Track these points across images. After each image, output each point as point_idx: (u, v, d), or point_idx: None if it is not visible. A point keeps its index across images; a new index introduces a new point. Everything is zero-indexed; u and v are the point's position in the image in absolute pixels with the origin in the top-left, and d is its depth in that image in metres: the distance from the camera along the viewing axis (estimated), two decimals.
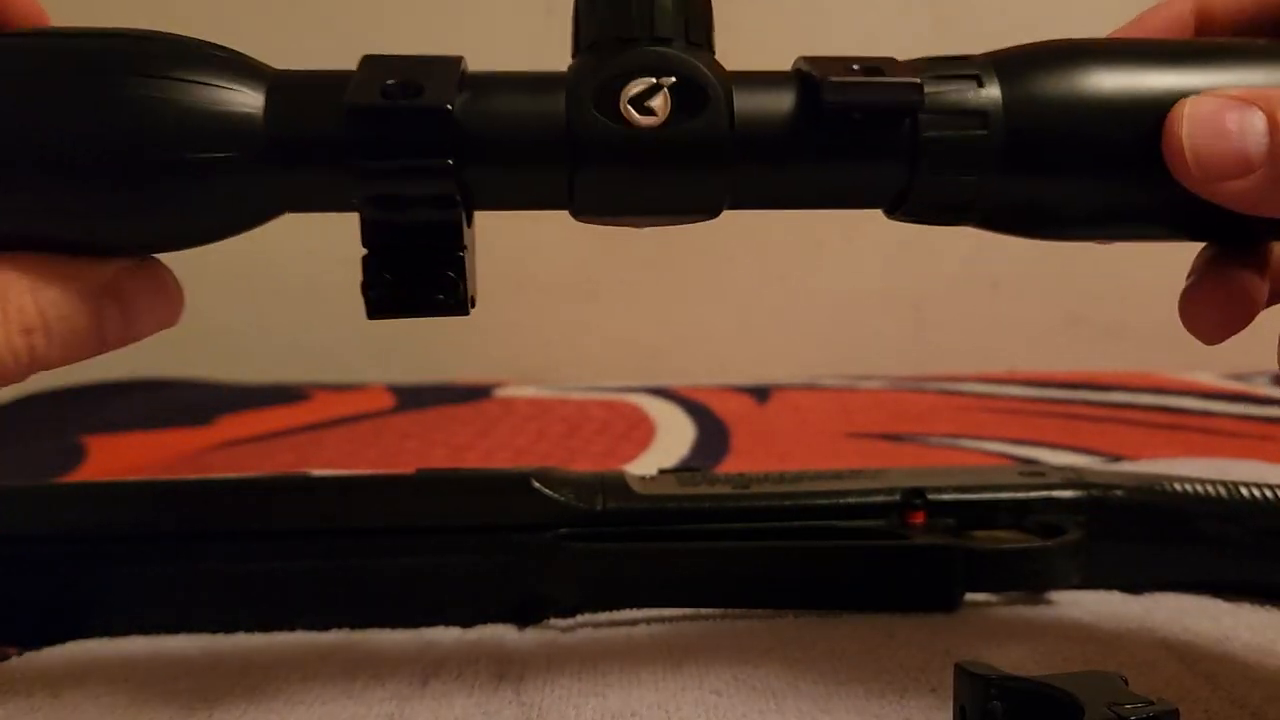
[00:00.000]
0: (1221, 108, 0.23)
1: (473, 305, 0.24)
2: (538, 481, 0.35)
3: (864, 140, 0.24)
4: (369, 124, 0.22)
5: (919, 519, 0.36)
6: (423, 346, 1.01)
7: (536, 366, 0.97)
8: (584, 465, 0.39)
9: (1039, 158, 0.24)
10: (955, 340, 1.04)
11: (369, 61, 0.23)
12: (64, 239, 0.23)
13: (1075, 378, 0.84)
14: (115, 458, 0.65)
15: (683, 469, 0.39)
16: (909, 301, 1.04)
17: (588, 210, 0.24)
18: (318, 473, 0.41)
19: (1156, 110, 0.24)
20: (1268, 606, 0.36)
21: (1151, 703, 0.23)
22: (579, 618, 0.36)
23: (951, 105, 0.23)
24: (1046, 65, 0.24)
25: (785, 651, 0.32)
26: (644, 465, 0.59)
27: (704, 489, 0.36)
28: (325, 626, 0.35)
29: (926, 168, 0.24)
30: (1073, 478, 0.37)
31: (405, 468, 0.38)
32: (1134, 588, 0.37)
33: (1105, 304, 1.01)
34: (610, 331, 1.00)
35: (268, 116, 0.23)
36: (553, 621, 0.36)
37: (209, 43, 0.23)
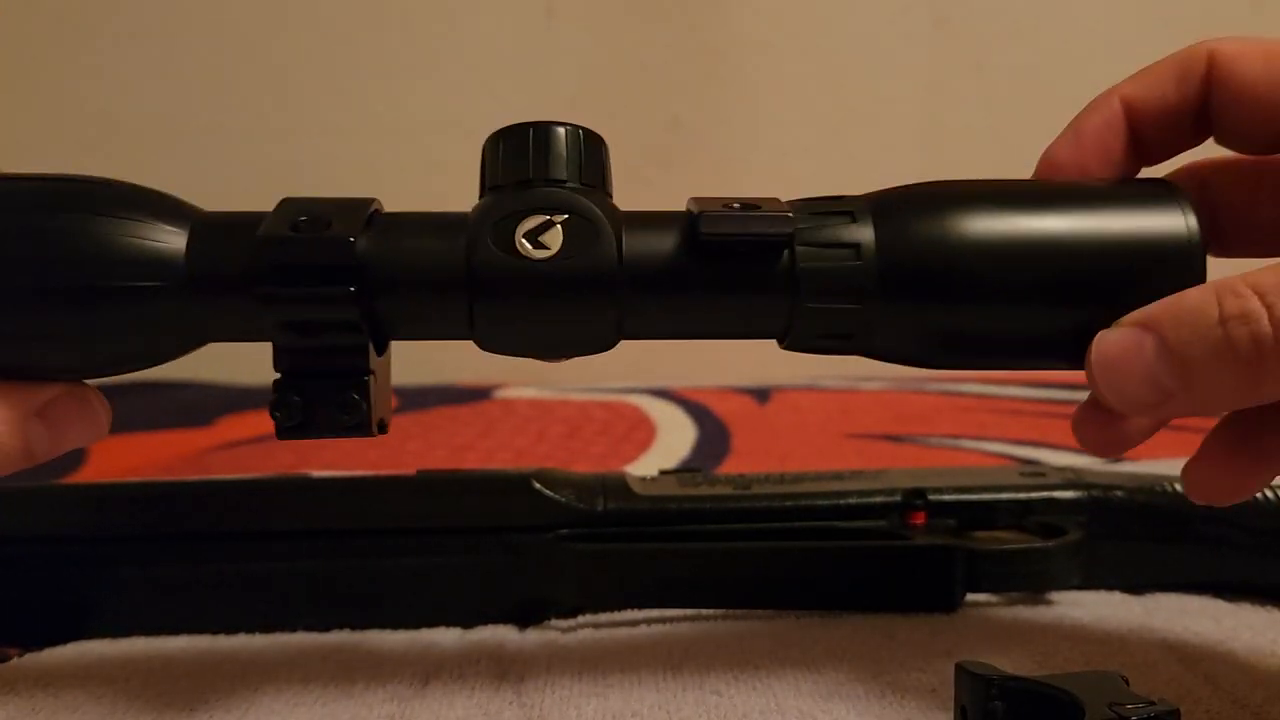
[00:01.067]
0: (1120, 347, 0.24)
1: (381, 430, 0.26)
2: (538, 482, 0.35)
3: (744, 272, 0.25)
4: (277, 253, 0.23)
5: (920, 520, 0.36)
6: (423, 348, 1.01)
7: (537, 368, 0.97)
8: (585, 466, 0.39)
9: (913, 289, 0.25)
10: None
11: (285, 203, 0.25)
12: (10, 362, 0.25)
13: (1076, 378, 0.84)
14: (116, 459, 0.65)
15: (683, 470, 0.39)
16: None
17: (488, 341, 0.25)
18: (318, 474, 0.40)
19: (1016, 248, 0.25)
20: (1268, 606, 0.36)
21: (1152, 703, 0.23)
22: (580, 618, 0.36)
23: (826, 239, 0.25)
24: (916, 205, 0.25)
25: (786, 652, 0.32)
26: (645, 466, 0.59)
27: (705, 490, 0.36)
28: (326, 627, 0.35)
29: (805, 298, 0.25)
30: (1073, 478, 0.37)
31: (406, 469, 0.38)
32: (1135, 588, 0.37)
33: None
34: None
35: (189, 253, 0.24)
36: (553, 622, 0.36)
37: (142, 187, 0.25)
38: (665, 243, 0.25)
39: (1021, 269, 0.25)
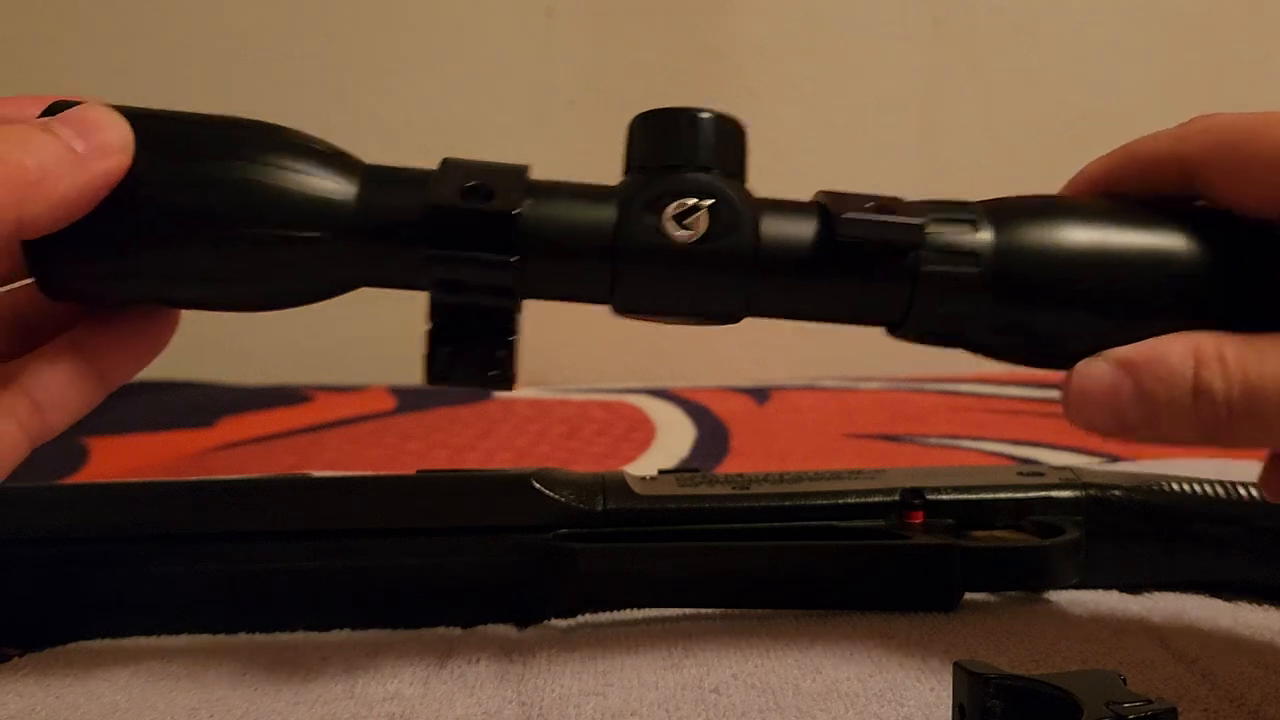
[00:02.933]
0: (1090, 386, 0.26)
1: (513, 386, 0.28)
2: (538, 482, 0.35)
3: (870, 269, 0.27)
4: (447, 221, 0.25)
5: (918, 519, 0.36)
6: (423, 348, 1.01)
7: (536, 368, 0.97)
8: (584, 466, 0.39)
9: (1024, 295, 0.27)
10: None
11: (448, 165, 0.26)
12: (174, 295, 0.27)
13: None
14: (117, 459, 0.65)
15: (682, 470, 0.39)
16: None
17: (626, 308, 0.27)
18: (319, 474, 0.41)
19: (1116, 261, 0.27)
20: (1266, 606, 0.36)
21: (1150, 701, 0.23)
22: (579, 618, 0.36)
23: (949, 245, 0.27)
24: (1032, 215, 0.27)
25: (784, 651, 0.33)
26: (644, 466, 0.59)
27: (704, 490, 0.36)
28: (326, 627, 0.35)
29: (923, 297, 0.27)
30: (1071, 478, 0.37)
31: (406, 469, 0.38)
32: (1132, 587, 0.37)
33: None
34: (610, 333, 1.00)
35: (359, 203, 0.26)
36: (553, 621, 0.36)
37: (313, 136, 0.27)
38: (800, 232, 0.27)
39: (1121, 281, 0.26)
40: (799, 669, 0.31)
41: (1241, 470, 0.42)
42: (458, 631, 0.35)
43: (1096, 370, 0.26)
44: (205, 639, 0.35)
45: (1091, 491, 0.37)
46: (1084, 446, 0.62)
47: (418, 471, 0.37)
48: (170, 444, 0.70)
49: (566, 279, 0.27)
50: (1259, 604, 0.36)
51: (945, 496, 0.36)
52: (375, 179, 0.26)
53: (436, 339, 0.26)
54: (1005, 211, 0.27)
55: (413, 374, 0.92)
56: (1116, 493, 0.37)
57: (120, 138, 0.25)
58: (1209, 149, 0.27)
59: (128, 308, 0.28)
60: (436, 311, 0.26)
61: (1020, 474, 0.38)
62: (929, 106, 1.04)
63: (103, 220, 0.25)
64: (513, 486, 0.35)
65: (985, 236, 0.27)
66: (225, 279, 0.26)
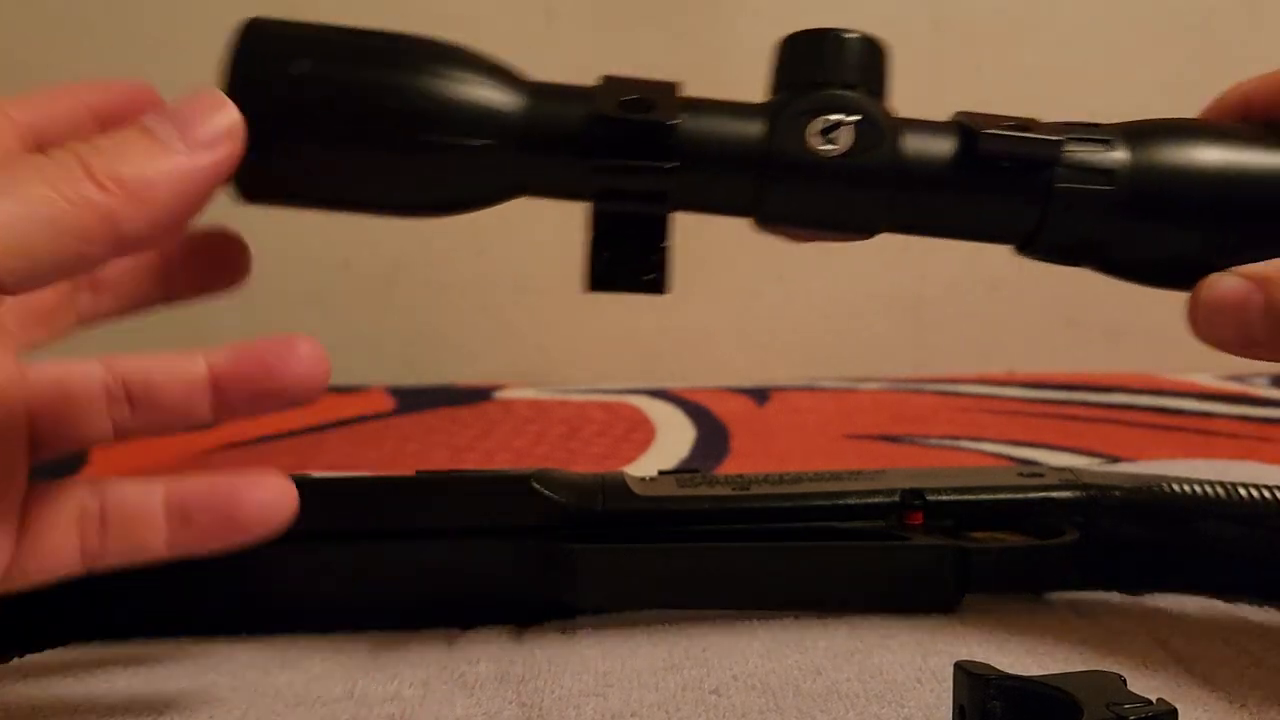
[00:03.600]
0: (1224, 298, 0.27)
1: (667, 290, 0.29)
2: (537, 483, 0.35)
3: (1007, 185, 0.28)
4: (610, 130, 0.27)
5: (918, 520, 0.36)
6: (423, 349, 1.01)
7: (536, 368, 0.97)
8: (584, 467, 0.39)
9: (1157, 213, 0.28)
10: (954, 342, 1.04)
11: (609, 81, 0.28)
12: (353, 197, 0.28)
13: (1074, 379, 0.84)
14: (116, 460, 0.64)
15: (682, 470, 0.39)
16: (908, 303, 1.04)
17: (769, 218, 0.28)
18: (318, 474, 0.41)
19: (1249, 181, 0.28)
20: (1267, 607, 0.36)
21: (1150, 703, 0.23)
22: (579, 619, 0.36)
23: (1084, 163, 0.28)
24: (1167, 135, 0.28)
25: (784, 652, 0.32)
26: (644, 467, 0.59)
27: (703, 490, 0.36)
28: (326, 628, 0.35)
29: (1056, 213, 0.28)
30: (1071, 479, 0.37)
31: (405, 470, 0.38)
32: (1132, 588, 0.37)
33: (1104, 305, 1.01)
34: (610, 333, 1.00)
35: (527, 114, 0.27)
36: (553, 622, 0.36)
37: (482, 52, 0.28)
38: (940, 149, 0.28)
39: (1253, 200, 0.28)
40: (799, 670, 0.31)
41: (1242, 471, 0.42)
42: (457, 632, 0.35)
43: (1226, 284, 0.27)
44: (204, 640, 0.35)
45: (1091, 492, 0.37)
46: (1084, 447, 0.62)
47: (417, 472, 0.37)
48: (169, 444, 0.70)
49: (717, 189, 0.28)
50: (1259, 605, 0.36)
51: (945, 497, 0.36)
52: (541, 93, 0.27)
53: (597, 246, 0.28)
54: (1140, 131, 0.28)
55: (412, 374, 0.92)
56: (1116, 494, 0.37)
57: (226, 125, 0.24)
58: None
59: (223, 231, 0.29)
60: (598, 220, 0.28)
61: (1020, 475, 0.38)
62: (929, 107, 1.03)
63: (288, 127, 0.26)
64: (512, 487, 0.35)
65: (1120, 155, 0.28)
66: (401, 184, 0.27)
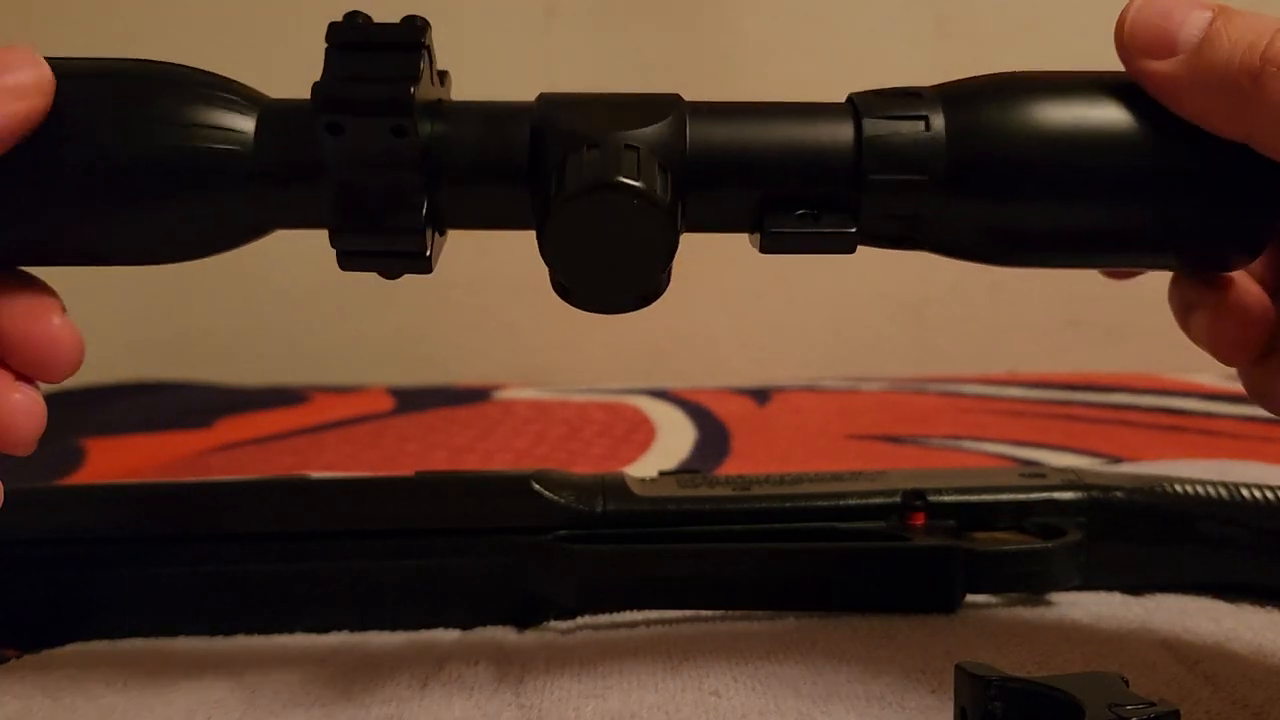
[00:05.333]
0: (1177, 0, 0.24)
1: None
2: (537, 483, 0.35)
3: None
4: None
5: (919, 520, 0.36)
6: (422, 349, 1.01)
7: (536, 369, 0.97)
8: (584, 467, 0.39)
9: (977, 188, 0.25)
10: (956, 342, 1.04)
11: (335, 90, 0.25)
12: (73, 247, 0.26)
13: (1076, 379, 0.84)
14: (115, 460, 0.65)
15: (683, 471, 0.39)
16: (909, 303, 1.04)
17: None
18: (317, 475, 0.40)
19: (1089, 140, 0.25)
20: (1269, 607, 0.36)
21: (1153, 704, 0.23)
22: (579, 619, 0.36)
23: (894, 139, 0.25)
24: (988, 95, 0.25)
25: (785, 653, 0.32)
26: (644, 467, 0.59)
27: (704, 491, 0.36)
28: (325, 629, 0.35)
29: (870, 198, 0.25)
30: (1073, 479, 0.37)
31: (405, 470, 0.38)
32: (1135, 589, 0.37)
33: (1106, 305, 1.01)
34: (610, 333, 1.00)
35: (256, 142, 0.25)
36: (552, 623, 0.36)
37: (208, 72, 0.26)
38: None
39: (1092, 164, 0.25)
40: (800, 671, 0.31)
41: (1243, 471, 0.42)
42: (456, 633, 0.35)
43: None
44: (202, 641, 0.35)
45: (1094, 493, 0.37)
46: (1086, 448, 0.62)
47: (416, 472, 0.37)
48: (168, 445, 0.70)
49: (486, 204, 0.26)
50: (1262, 605, 0.36)
51: (947, 498, 0.36)
52: (274, 110, 0.25)
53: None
54: (959, 93, 0.26)
55: (412, 374, 0.92)
56: (1119, 494, 0.37)
57: (35, 79, 0.24)
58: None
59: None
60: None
61: (1022, 475, 0.38)
62: None
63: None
64: (512, 488, 0.35)
65: (936, 125, 0.25)
66: (123, 226, 0.25)
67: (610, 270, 0.24)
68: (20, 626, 0.35)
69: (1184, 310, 0.27)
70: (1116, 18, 0.25)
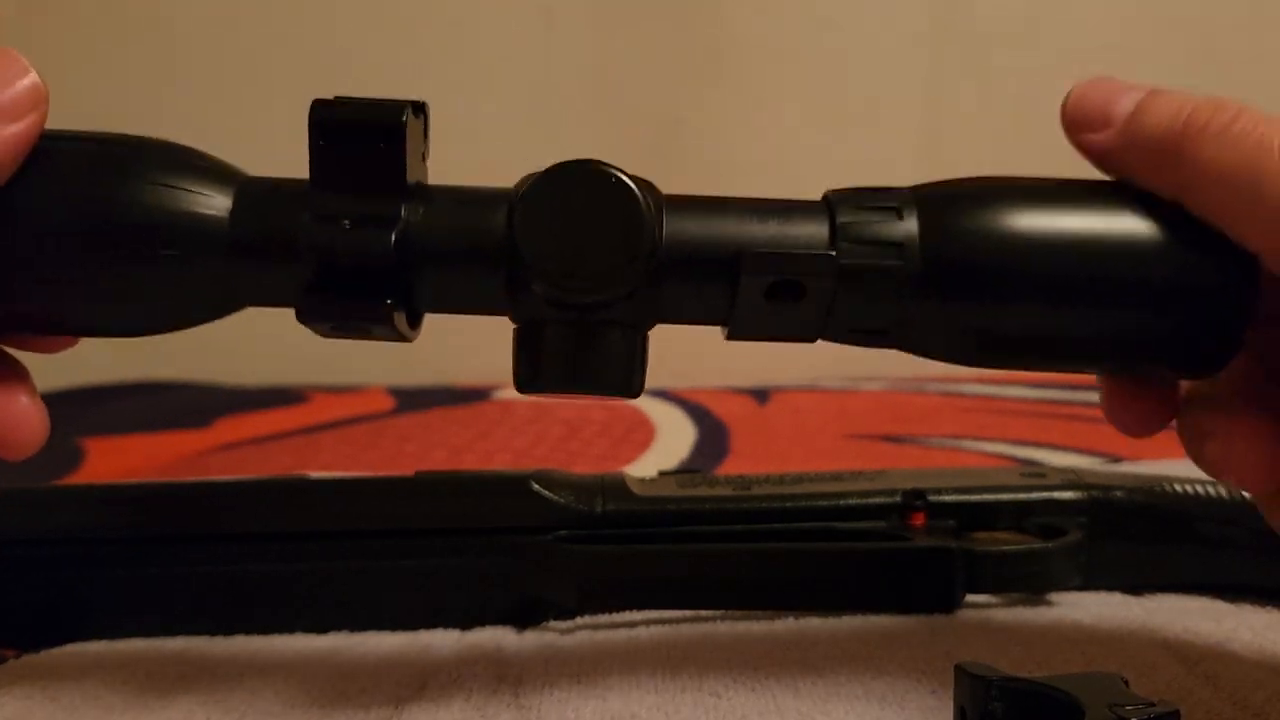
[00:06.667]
0: (1115, 83, 0.26)
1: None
2: (537, 483, 0.35)
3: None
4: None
5: (920, 520, 0.36)
6: (421, 349, 1.00)
7: None
8: (583, 468, 0.39)
9: (955, 288, 0.25)
10: None
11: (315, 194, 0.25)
12: (46, 319, 0.26)
13: (1076, 380, 0.84)
14: (114, 460, 0.64)
15: (683, 471, 0.39)
16: None
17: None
18: (316, 475, 0.40)
19: (1063, 249, 0.25)
20: (1269, 607, 0.36)
21: (1153, 704, 0.23)
22: (578, 620, 0.36)
23: (870, 235, 0.25)
24: (962, 201, 0.25)
25: (785, 653, 0.32)
26: (644, 467, 0.59)
27: (704, 491, 0.36)
28: (323, 629, 0.35)
29: (845, 295, 0.25)
30: (1073, 479, 0.37)
31: (404, 470, 0.38)
32: (1135, 589, 0.37)
33: None
34: None
35: (232, 216, 0.25)
36: (552, 624, 0.36)
37: (188, 147, 0.26)
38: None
39: (1068, 271, 0.25)
40: (800, 671, 0.31)
41: None
42: (456, 633, 0.35)
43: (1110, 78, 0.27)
44: (202, 641, 0.34)
45: (1094, 493, 0.37)
46: (1086, 447, 0.62)
47: (416, 473, 0.37)
48: (167, 445, 0.70)
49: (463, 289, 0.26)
50: (1262, 605, 0.36)
51: (947, 498, 0.36)
52: (250, 190, 0.25)
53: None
54: (934, 196, 0.26)
55: (410, 375, 0.92)
56: (1119, 494, 0.37)
57: (30, 92, 0.23)
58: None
59: None
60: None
61: (1022, 475, 0.38)
62: (929, 106, 1.04)
63: None
64: (511, 488, 0.35)
65: (910, 224, 0.25)
66: (100, 299, 0.25)
67: (580, 253, 0.24)
68: (20, 626, 0.35)
69: (1198, 440, 0.27)
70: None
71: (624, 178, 0.24)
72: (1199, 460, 0.27)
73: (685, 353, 1.05)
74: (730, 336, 0.27)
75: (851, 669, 0.31)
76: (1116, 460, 0.57)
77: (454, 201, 0.25)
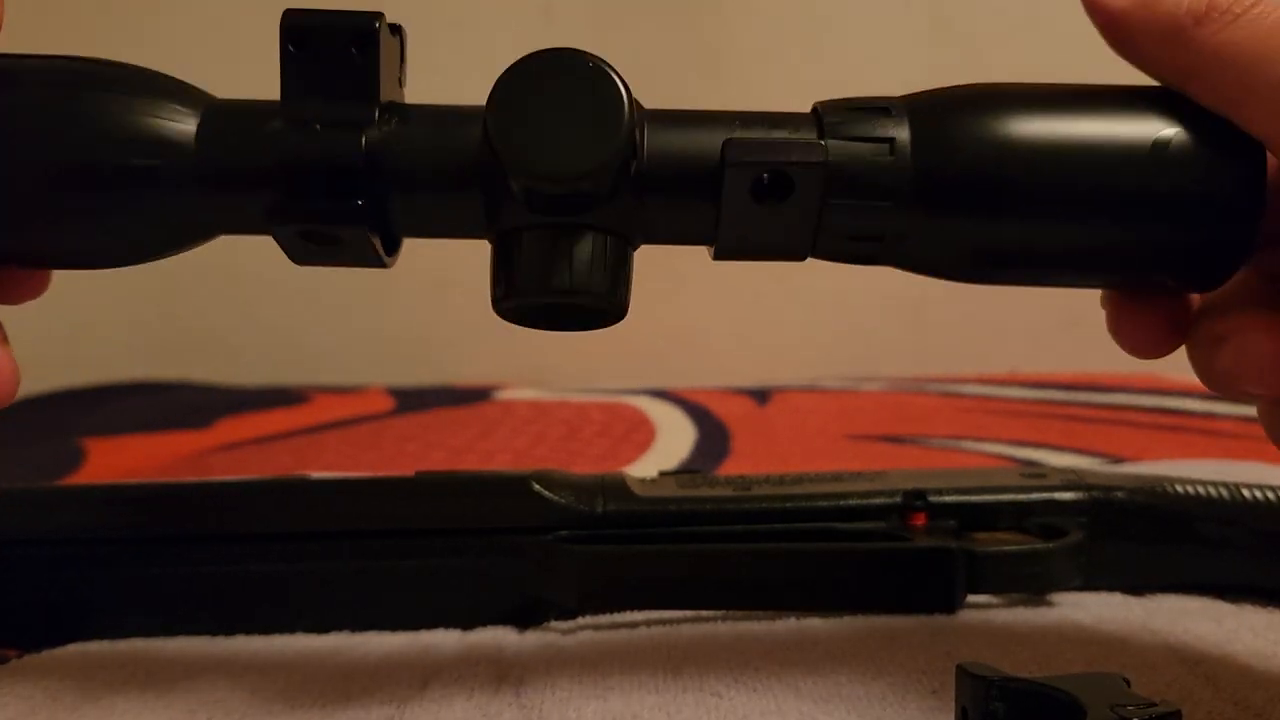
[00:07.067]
0: None
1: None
2: (537, 484, 0.35)
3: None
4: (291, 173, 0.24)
5: (920, 521, 0.36)
6: (422, 349, 1.01)
7: (536, 369, 0.97)
8: (584, 467, 0.39)
9: (950, 195, 0.24)
10: (956, 342, 1.04)
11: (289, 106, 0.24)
12: (9, 250, 0.25)
13: (1076, 379, 0.84)
14: (114, 460, 0.64)
15: (683, 471, 0.39)
16: (909, 303, 1.04)
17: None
18: (317, 475, 0.40)
19: (1062, 154, 0.24)
20: (1270, 608, 0.36)
21: (1154, 704, 0.23)
22: (579, 620, 0.36)
23: (858, 134, 0.24)
24: (954, 105, 0.25)
25: (786, 653, 0.32)
26: (644, 467, 0.59)
27: (704, 491, 0.36)
28: (325, 629, 0.35)
29: (834, 196, 0.24)
30: (1074, 479, 0.37)
31: (404, 470, 0.38)
32: (1136, 589, 0.37)
33: None
34: (609, 333, 1.00)
35: (198, 143, 0.24)
36: (553, 624, 0.36)
37: (152, 71, 0.25)
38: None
39: (1067, 180, 0.24)
40: (801, 672, 0.31)
41: (1244, 472, 0.42)
42: (457, 634, 0.35)
43: None
44: (203, 641, 0.34)
45: (1095, 493, 0.37)
46: (1087, 448, 0.62)
47: (416, 473, 0.37)
48: (168, 445, 0.70)
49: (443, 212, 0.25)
50: (1263, 606, 0.36)
51: (948, 498, 0.36)
52: (218, 111, 0.25)
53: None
54: (926, 102, 0.25)
55: (411, 374, 0.92)
56: (1120, 494, 0.37)
57: None
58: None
59: None
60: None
61: (1023, 475, 0.38)
62: None
63: None
64: (512, 488, 0.35)
65: (902, 128, 0.24)
66: (58, 222, 0.25)
67: (557, 144, 0.23)
68: (20, 627, 0.35)
69: (1211, 347, 0.26)
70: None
71: (602, 64, 0.23)
72: (1210, 374, 0.26)
73: (685, 353, 1.06)
74: (718, 255, 0.26)
75: (852, 669, 0.31)
76: (1117, 460, 0.57)
77: (429, 116, 0.25)
